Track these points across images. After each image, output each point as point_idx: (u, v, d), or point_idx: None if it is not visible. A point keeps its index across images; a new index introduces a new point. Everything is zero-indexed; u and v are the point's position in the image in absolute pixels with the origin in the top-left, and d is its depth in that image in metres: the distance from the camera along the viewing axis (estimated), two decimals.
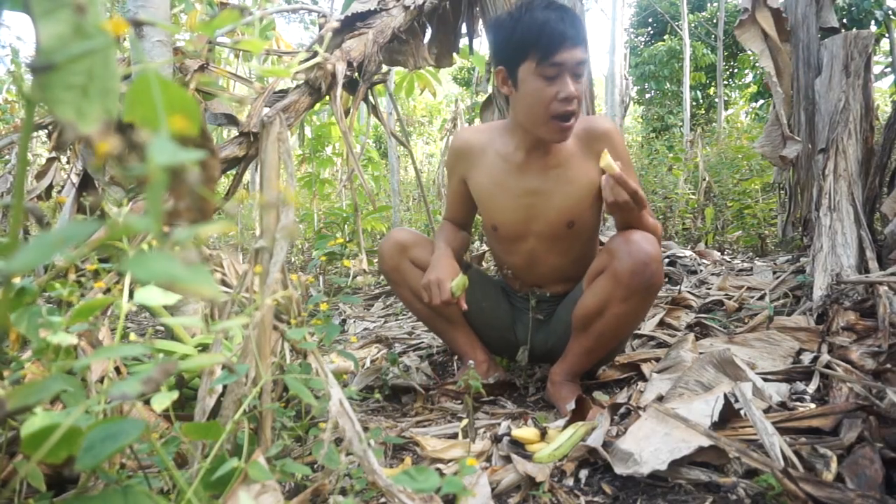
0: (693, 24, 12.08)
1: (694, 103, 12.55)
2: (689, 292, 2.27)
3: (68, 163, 2.39)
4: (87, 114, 0.34)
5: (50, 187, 2.39)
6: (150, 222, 0.32)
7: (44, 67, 0.33)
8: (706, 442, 0.90)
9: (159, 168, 0.32)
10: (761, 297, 2.08)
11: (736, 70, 12.43)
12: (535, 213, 1.43)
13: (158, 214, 0.33)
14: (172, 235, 0.34)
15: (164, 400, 0.70)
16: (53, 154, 2.39)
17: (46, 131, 2.48)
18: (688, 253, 3.25)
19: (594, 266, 1.36)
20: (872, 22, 7.40)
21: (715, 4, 12.30)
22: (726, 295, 2.18)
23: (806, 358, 1.40)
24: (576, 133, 1.39)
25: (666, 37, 12.87)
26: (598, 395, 1.43)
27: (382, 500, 0.91)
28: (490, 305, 1.60)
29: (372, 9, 1.88)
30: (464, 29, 2.32)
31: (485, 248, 3.26)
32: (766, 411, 1.09)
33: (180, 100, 0.37)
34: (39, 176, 2.44)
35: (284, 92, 1.61)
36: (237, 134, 1.51)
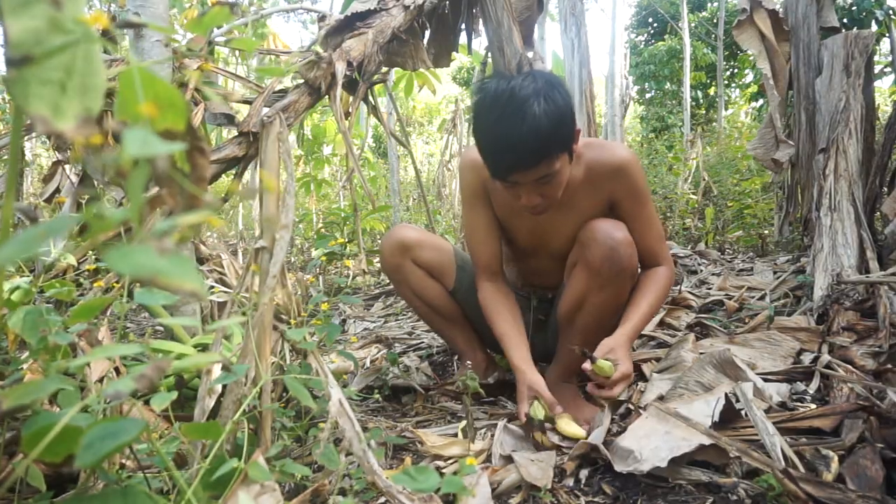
0: (693, 24, 12.07)
1: (694, 103, 12.54)
2: (689, 292, 2.27)
3: (68, 163, 2.39)
4: (65, 110, 0.33)
5: (57, 190, 2.37)
6: (131, 214, 0.32)
7: (18, 62, 0.32)
8: (707, 440, 0.90)
9: (132, 158, 0.31)
10: (761, 297, 2.08)
11: (736, 70, 12.43)
12: (547, 239, 1.43)
13: (138, 206, 0.32)
14: (155, 226, 0.33)
15: (163, 400, 0.70)
16: (59, 157, 2.38)
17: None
18: (688, 253, 3.25)
19: (569, 261, 1.37)
20: (873, 22, 7.40)
21: (715, 4, 12.29)
22: (726, 295, 2.18)
23: (806, 358, 1.40)
24: (586, 163, 1.33)
25: (666, 36, 12.86)
26: None
27: (382, 500, 0.90)
28: None
29: (372, 8, 1.87)
30: (463, 31, 2.31)
31: None
32: (766, 411, 1.08)
33: (166, 94, 0.37)
34: (46, 179, 2.43)
35: (284, 92, 1.61)
36: (237, 134, 1.50)
